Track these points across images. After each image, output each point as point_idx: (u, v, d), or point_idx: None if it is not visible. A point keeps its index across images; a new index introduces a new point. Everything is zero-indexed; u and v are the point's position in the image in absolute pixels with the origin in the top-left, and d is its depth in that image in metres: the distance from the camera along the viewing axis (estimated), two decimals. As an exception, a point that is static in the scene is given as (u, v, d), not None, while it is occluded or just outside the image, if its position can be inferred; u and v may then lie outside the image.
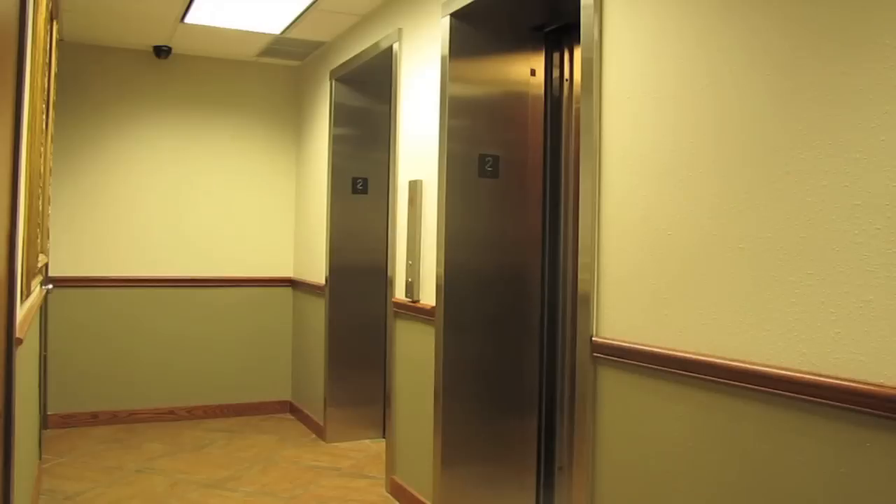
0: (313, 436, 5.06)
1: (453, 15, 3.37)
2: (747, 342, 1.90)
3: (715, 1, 2.02)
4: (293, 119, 5.73)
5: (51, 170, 4.43)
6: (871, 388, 1.59)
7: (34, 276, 2.91)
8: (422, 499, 3.60)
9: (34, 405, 3.65)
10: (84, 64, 5.16)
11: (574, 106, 3.37)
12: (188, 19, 4.53)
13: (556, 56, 3.50)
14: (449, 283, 3.40)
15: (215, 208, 5.50)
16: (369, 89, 4.94)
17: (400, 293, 3.89)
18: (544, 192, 3.53)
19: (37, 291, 3.28)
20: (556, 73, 3.50)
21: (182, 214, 5.41)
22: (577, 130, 3.29)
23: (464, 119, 3.42)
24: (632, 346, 2.26)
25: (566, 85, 3.45)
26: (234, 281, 5.55)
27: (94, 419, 5.17)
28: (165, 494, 3.89)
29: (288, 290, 5.72)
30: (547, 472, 3.53)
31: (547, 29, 3.49)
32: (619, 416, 2.33)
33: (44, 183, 3.40)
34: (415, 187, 3.71)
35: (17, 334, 2.12)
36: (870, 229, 1.62)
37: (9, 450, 1.99)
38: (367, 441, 4.95)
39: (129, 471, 4.25)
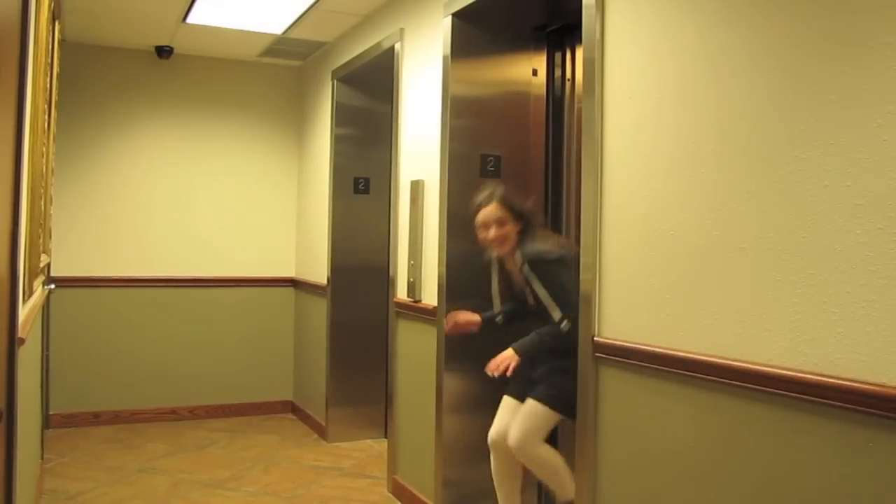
0: (315, 436, 5.06)
1: (455, 15, 3.37)
2: (749, 342, 1.90)
3: (716, 0, 2.02)
4: (295, 119, 5.73)
5: (53, 170, 4.43)
6: (874, 388, 1.59)
7: (36, 275, 2.91)
8: (423, 498, 3.60)
9: (36, 405, 3.65)
10: (86, 64, 5.17)
11: (576, 106, 3.37)
12: (190, 19, 4.54)
13: (557, 56, 3.50)
14: (451, 283, 3.40)
15: (217, 208, 5.50)
16: (371, 89, 4.94)
17: (402, 293, 3.89)
18: (546, 192, 3.52)
19: (39, 291, 3.28)
20: (557, 73, 3.50)
21: (184, 214, 5.41)
22: (579, 130, 3.28)
23: (465, 119, 3.42)
24: (634, 346, 2.26)
25: (568, 85, 3.45)
26: (236, 281, 5.55)
27: (96, 419, 5.17)
28: (167, 494, 3.90)
29: (290, 290, 5.72)
30: (549, 472, 3.52)
31: (549, 29, 3.49)
32: (621, 416, 2.33)
33: (46, 183, 3.41)
34: (416, 187, 3.70)
35: (20, 334, 2.12)
36: (872, 229, 1.61)
37: (11, 449, 1.99)
38: (368, 441, 4.95)
39: (131, 470, 4.26)
